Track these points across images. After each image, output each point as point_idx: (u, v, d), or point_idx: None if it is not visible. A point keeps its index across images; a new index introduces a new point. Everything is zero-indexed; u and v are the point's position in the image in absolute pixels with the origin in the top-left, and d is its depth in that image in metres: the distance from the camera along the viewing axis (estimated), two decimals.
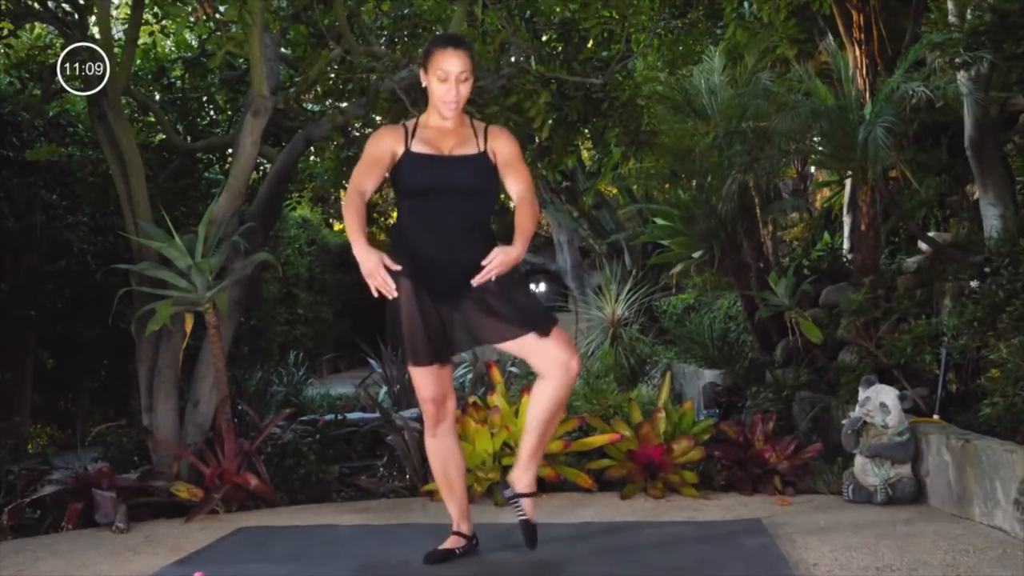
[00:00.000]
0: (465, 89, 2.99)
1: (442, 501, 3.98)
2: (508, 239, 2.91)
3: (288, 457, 4.69)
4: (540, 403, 3.02)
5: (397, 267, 2.79)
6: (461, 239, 2.95)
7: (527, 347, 2.95)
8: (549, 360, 2.95)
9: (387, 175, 3.07)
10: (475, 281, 2.81)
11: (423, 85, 3.06)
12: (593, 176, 11.15)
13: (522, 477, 3.11)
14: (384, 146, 3.03)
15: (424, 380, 3.01)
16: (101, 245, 6.67)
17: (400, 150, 3.01)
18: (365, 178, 2.99)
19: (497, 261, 2.78)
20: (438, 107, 3.01)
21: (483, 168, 3.02)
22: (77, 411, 7.18)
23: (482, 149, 3.03)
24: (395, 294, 2.80)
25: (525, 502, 3.12)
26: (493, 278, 2.81)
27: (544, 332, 2.92)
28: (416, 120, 3.10)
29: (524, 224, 2.91)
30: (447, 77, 2.95)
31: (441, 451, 3.15)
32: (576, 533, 3.56)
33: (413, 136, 3.03)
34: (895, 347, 4.78)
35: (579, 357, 3.04)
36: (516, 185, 3.00)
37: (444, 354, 3.00)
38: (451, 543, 3.18)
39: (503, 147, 3.04)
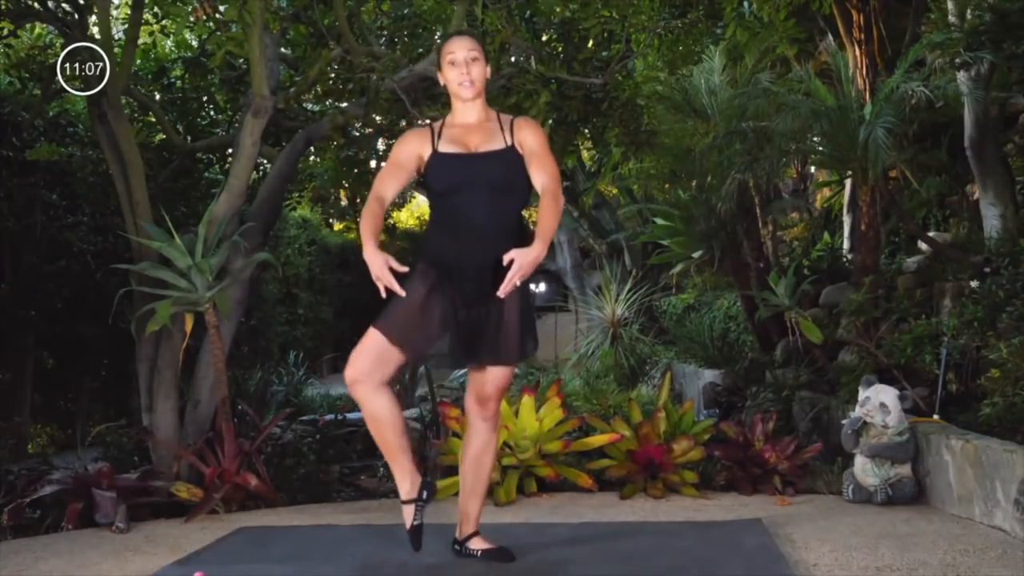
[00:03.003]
0: (477, 70, 2.97)
1: (442, 501, 4.00)
2: None
3: (288, 457, 4.69)
4: (464, 448, 3.15)
5: (402, 268, 2.75)
6: (493, 237, 2.88)
7: (476, 369, 3.00)
8: (477, 391, 3.02)
9: (416, 178, 3.06)
10: (501, 292, 2.71)
11: (442, 84, 3.07)
12: (593, 176, 11.16)
13: (465, 522, 3.15)
14: (410, 150, 3.01)
15: (372, 347, 2.85)
16: (101, 245, 6.68)
17: (427, 152, 2.99)
18: (386, 183, 2.97)
19: (517, 266, 2.68)
20: (456, 92, 3.00)
21: (512, 162, 2.97)
22: (77, 411, 7.18)
23: (509, 143, 2.99)
24: (403, 293, 2.76)
25: (474, 543, 3.13)
26: (518, 283, 2.74)
27: (508, 363, 2.97)
28: (443, 120, 3.08)
29: (545, 221, 2.82)
30: (457, 59, 2.97)
31: (371, 414, 2.90)
32: (576, 533, 3.56)
33: (440, 136, 3.01)
34: (895, 347, 4.78)
35: (498, 405, 3.07)
36: (540, 177, 2.93)
37: (410, 346, 2.88)
38: (408, 517, 2.97)
39: (528, 138, 2.99)
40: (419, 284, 2.88)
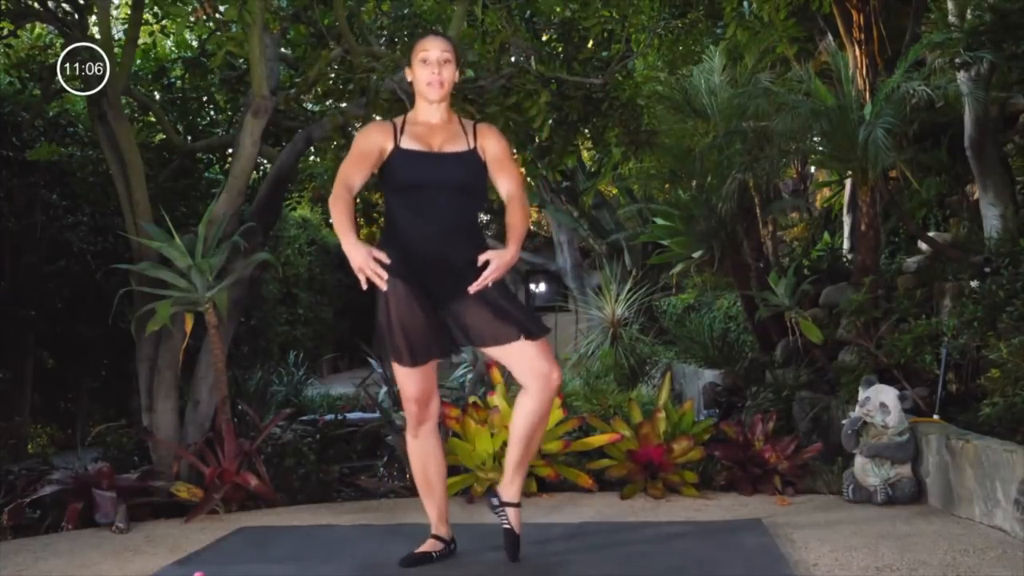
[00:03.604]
0: (447, 72, 2.99)
1: None
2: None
3: (288, 457, 4.69)
4: (522, 416, 3.01)
5: (387, 260, 2.76)
6: (451, 236, 2.93)
7: (511, 354, 2.93)
8: (531, 369, 2.92)
9: (375, 171, 3.06)
10: (472, 288, 2.79)
11: (408, 81, 3.08)
12: (593, 176, 11.15)
13: (508, 488, 3.12)
14: (373, 141, 3.01)
15: (408, 379, 2.98)
16: (101, 245, 6.67)
17: (389, 146, 3.00)
18: (353, 172, 2.97)
19: (493, 266, 2.77)
20: (423, 92, 3.01)
21: (473, 165, 3.01)
22: (77, 411, 7.18)
23: (472, 146, 3.02)
24: (385, 287, 2.78)
25: (510, 512, 3.12)
26: (490, 284, 2.80)
27: (534, 337, 2.91)
28: (404, 117, 3.09)
29: (516, 224, 2.91)
30: (429, 58, 2.98)
31: (422, 452, 3.11)
32: (576, 533, 3.56)
33: (402, 132, 3.02)
34: (895, 347, 4.78)
35: (560, 370, 3.01)
36: (506, 184, 3.00)
37: (430, 355, 2.96)
38: (428, 546, 3.15)
39: (492, 145, 3.03)
40: (397, 297, 2.87)
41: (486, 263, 2.81)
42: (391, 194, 3.04)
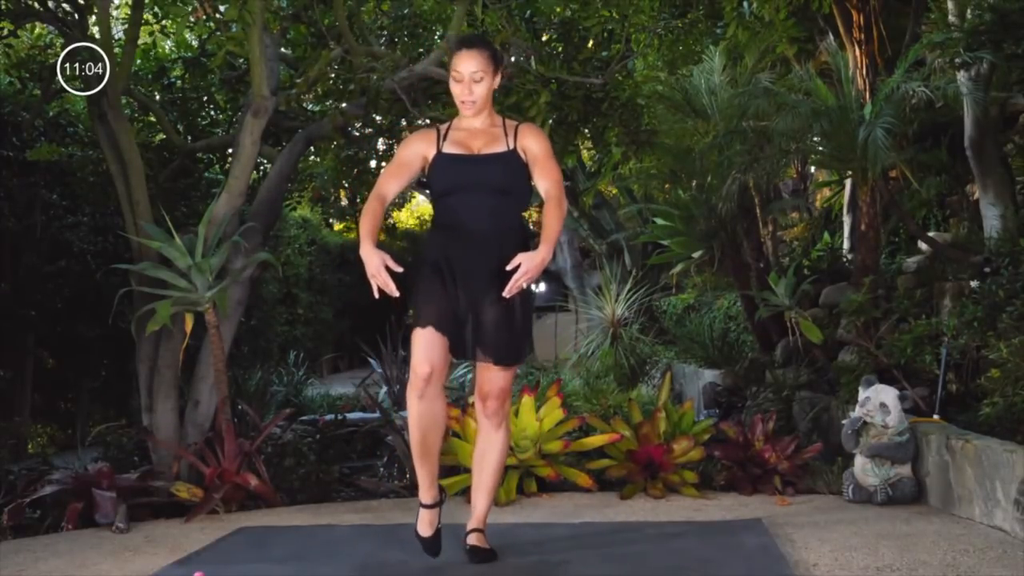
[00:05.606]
0: (480, 88, 3.02)
1: None
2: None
3: (288, 457, 4.69)
4: (476, 448, 3.23)
5: (398, 268, 2.78)
6: (492, 238, 2.95)
7: (479, 365, 3.07)
8: (478, 388, 3.10)
9: (421, 178, 3.12)
10: (507, 293, 2.79)
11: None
12: (593, 176, 11.16)
13: (472, 516, 3.18)
14: (415, 150, 3.08)
15: (427, 343, 2.87)
16: (101, 245, 6.68)
17: (432, 153, 3.06)
18: (388, 181, 3.05)
19: (523, 268, 2.76)
20: (459, 107, 3.08)
21: (512, 166, 3.03)
22: (77, 411, 7.18)
23: (511, 147, 3.05)
24: (396, 293, 2.80)
25: (471, 537, 3.15)
26: (524, 285, 2.80)
27: (502, 364, 3.00)
28: (450, 123, 3.15)
29: (549, 225, 2.89)
30: (461, 78, 3.02)
31: (427, 414, 2.94)
32: (576, 533, 3.56)
33: (445, 138, 3.07)
34: (895, 347, 4.78)
35: (500, 402, 3.09)
36: (543, 183, 3.01)
37: (447, 331, 2.90)
38: (430, 520, 3.06)
39: (533, 144, 3.05)
40: (437, 277, 2.93)
41: (517, 268, 2.80)
42: (435, 197, 3.10)
